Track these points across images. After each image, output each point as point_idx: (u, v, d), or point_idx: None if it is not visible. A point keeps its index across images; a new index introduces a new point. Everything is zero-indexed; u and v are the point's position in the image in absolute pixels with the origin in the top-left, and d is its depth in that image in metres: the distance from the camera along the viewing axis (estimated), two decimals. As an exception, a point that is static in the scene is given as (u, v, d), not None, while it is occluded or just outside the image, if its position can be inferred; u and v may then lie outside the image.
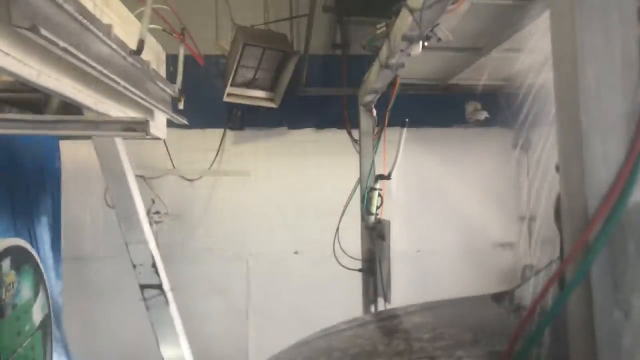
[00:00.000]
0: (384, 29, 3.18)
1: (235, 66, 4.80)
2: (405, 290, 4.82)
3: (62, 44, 2.00)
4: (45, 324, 1.57)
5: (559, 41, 1.19)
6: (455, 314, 3.33)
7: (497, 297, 3.25)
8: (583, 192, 1.14)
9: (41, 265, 1.56)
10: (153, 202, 4.68)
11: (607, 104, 1.13)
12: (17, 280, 1.40)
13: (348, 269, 5.03)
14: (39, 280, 1.54)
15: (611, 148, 1.12)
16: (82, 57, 2.25)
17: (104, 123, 1.65)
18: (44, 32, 1.88)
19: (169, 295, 4.21)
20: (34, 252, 1.53)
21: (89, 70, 2.45)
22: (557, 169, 1.30)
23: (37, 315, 1.52)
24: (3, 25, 1.89)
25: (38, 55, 2.21)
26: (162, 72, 4.65)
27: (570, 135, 1.16)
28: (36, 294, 1.52)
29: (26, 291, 1.46)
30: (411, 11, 2.51)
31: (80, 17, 2.27)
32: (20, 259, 1.44)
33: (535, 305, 1.17)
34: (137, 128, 1.54)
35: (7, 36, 1.97)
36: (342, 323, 3.25)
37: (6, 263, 1.36)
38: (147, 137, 1.53)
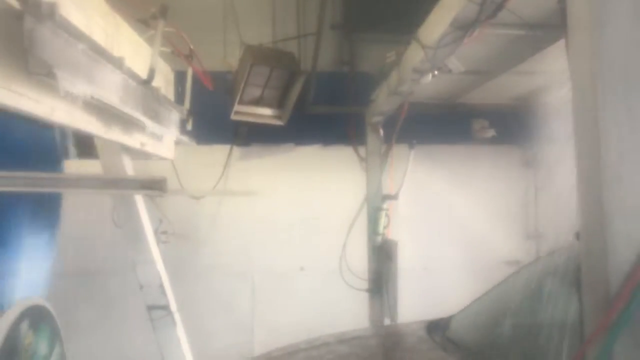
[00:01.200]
0: (393, 57, 3.19)
1: (243, 85, 4.80)
2: (412, 307, 4.80)
3: (77, 86, 2.00)
4: (61, 377, 1.58)
5: (580, 117, 1.18)
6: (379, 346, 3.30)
7: (432, 326, 3.16)
8: (605, 270, 1.13)
9: (57, 320, 1.57)
10: (160, 221, 4.68)
11: (631, 182, 1.12)
12: (34, 341, 1.40)
13: (355, 288, 5.04)
14: (55, 335, 1.54)
15: (634, 228, 1.12)
16: (96, 94, 2.26)
17: (122, 181, 1.65)
18: (60, 76, 1.88)
19: (176, 316, 4.21)
20: (49, 307, 1.53)
21: (102, 104, 2.46)
22: (577, 236, 1.29)
23: (53, 369, 1.52)
24: (18, 69, 1.90)
25: (51, 93, 2.21)
26: (171, 92, 4.66)
27: (592, 212, 1.16)
28: (52, 348, 1.52)
29: (43, 348, 1.46)
30: (423, 47, 2.51)
31: (93, 54, 2.28)
32: (38, 318, 1.44)
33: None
34: (154, 186, 1.54)
35: (23, 78, 1.97)
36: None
37: (25, 325, 1.36)
38: (165, 194, 1.54)
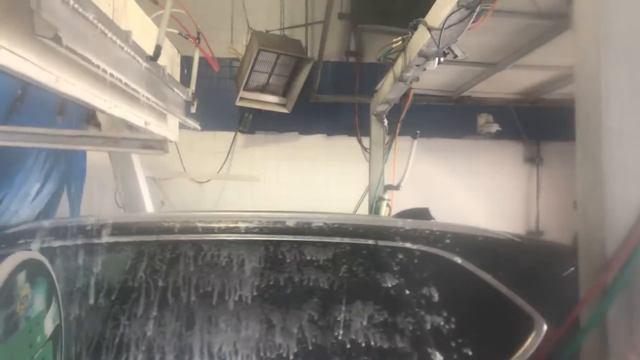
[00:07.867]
0: (400, 42, 3.18)
1: (249, 71, 4.81)
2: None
3: (83, 52, 2.01)
4: (56, 335, 1.58)
5: (583, 82, 1.18)
6: None
7: None
8: (602, 233, 1.13)
9: (54, 277, 1.57)
10: (162, 203, 4.69)
11: (630, 146, 1.12)
12: (31, 293, 1.41)
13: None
14: (51, 292, 1.55)
15: (632, 191, 1.12)
16: (101, 64, 2.26)
17: (123, 140, 1.66)
18: (66, 41, 1.89)
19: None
20: (47, 263, 1.54)
21: (106, 76, 2.46)
22: (575, 205, 1.29)
23: (48, 326, 1.53)
24: (23, 33, 1.90)
25: (56, 61, 2.21)
26: (177, 75, 4.66)
27: (591, 176, 1.16)
28: (48, 305, 1.53)
29: (39, 303, 1.47)
30: (429, 29, 2.50)
31: (100, 25, 2.28)
32: (35, 272, 1.45)
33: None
34: (155, 146, 1.55)
35: (27, 43, 1.97)
36: None
37: (21, 277, 1.36)
38: (166, 153, 1.54)
